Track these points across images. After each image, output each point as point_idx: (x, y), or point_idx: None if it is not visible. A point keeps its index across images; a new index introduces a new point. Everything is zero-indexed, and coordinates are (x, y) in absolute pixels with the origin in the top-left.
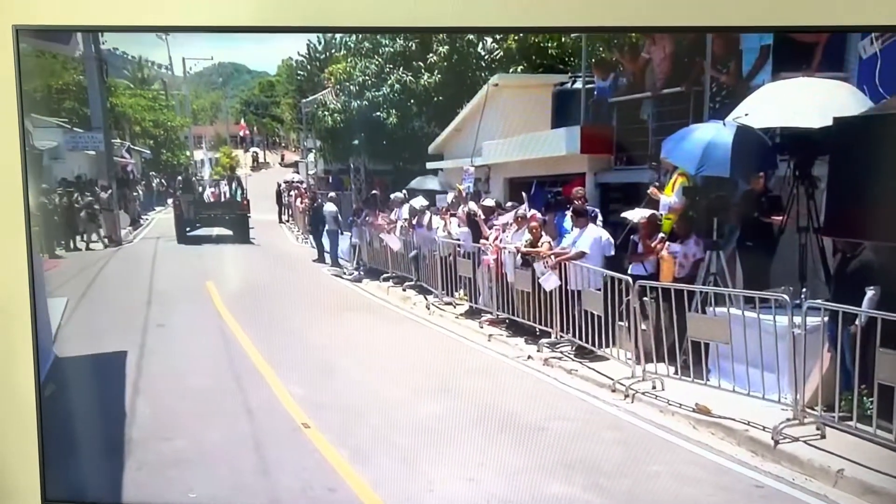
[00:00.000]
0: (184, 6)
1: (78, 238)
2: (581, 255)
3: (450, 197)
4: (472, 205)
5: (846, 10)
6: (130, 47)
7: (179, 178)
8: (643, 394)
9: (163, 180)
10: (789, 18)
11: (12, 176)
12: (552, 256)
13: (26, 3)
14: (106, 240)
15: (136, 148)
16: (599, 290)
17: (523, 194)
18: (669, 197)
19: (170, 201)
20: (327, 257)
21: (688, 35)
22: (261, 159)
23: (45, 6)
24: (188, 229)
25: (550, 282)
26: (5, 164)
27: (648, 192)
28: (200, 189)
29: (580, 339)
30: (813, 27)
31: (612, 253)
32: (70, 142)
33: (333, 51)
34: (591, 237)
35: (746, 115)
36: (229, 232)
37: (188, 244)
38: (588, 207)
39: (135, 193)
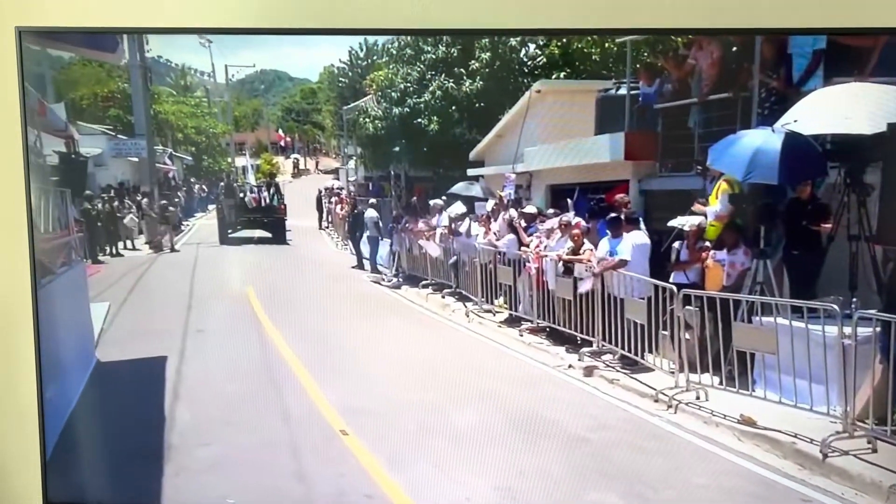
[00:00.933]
0: (194, 7)
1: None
2: (623, 263)
3: (490, 204)
4: (513, 211)
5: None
6: (174, 55)
7: (222, 183)
8: (687, 404)
9: (204, 186)
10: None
11: (15, 177)
12: (595, 266)
13: (29, 4)
14: (147, 245)
15: (179, 154)
16: (643, 298)
17: (568, 201)
18: (714, 205)
19: (210, 207)
20: (366, 264)
21: (736, 40)
22: (301, 166)
23: (50, 8)
24: (230, 231)
25: (584, 285)
26: (8, 164)
27: (693, 208)
28: (241, 195)
29: (622, 347)
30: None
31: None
32: (114, 148)
33: (375, 58)
34: (631, 244)
35: (796, 121)
36: (269, 234)
37: (230, 245)
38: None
39: (176, 199)
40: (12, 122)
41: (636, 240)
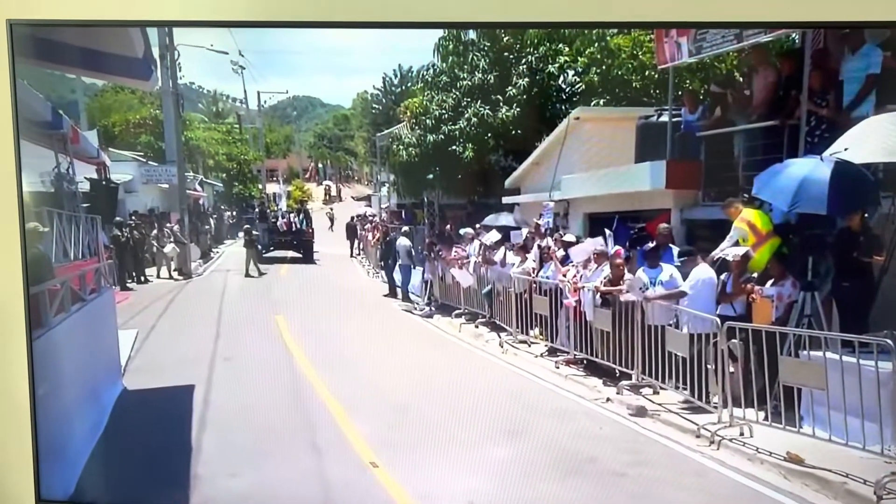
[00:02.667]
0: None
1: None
2: (682, 294)
3: (524, 233)
4: (549, 240)
5: None
6: (207, 81)
7: (256, 210)
8: (730, 440)
9: (234, 213)
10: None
11: (7, 174)
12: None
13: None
14: (176, 272)
15: (209, 181)
16: (682, 331)
17: (606, 231)
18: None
19: (240, 234)
20: (398, 292)
21: (785, 66)
22: (333, 193)
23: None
24: (264, 252)
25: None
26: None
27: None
28: (273, 219)
29: (662, 381)
30: None
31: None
32: (145, 175)
33: (409, 84)
34: (697, 279)
35: (846, 149)
36: (299, 255)
37: (263, 264)
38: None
39: (206, 226)
40: (4, 120)
41: (702, 275)
